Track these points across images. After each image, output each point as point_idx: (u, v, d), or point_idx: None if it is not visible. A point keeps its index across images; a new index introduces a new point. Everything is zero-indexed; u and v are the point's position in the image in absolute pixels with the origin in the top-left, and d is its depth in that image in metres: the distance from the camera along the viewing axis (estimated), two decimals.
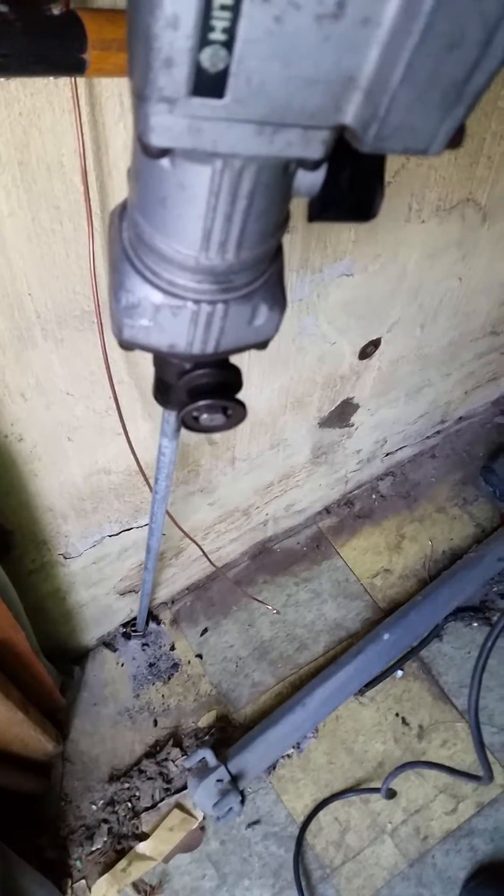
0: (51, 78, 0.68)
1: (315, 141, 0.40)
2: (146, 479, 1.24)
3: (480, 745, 1.06)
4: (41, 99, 0.70)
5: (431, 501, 2.06)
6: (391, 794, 1.44)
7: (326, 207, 0.51)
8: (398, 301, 1.35)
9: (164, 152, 0.41)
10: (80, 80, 0.70)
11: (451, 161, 1.16)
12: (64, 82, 0.69)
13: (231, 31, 0.33)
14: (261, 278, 0.56)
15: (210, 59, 0.35)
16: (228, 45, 0.34)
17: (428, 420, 1.97)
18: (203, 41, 0.34)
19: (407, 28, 0.34)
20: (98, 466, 1.23)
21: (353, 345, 1.38)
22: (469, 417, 2.16)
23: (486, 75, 0.37)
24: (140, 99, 0.38)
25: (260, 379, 1.29)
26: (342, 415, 1.61)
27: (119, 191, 0.83)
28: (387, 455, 1.99)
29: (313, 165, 0.44)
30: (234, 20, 0.33)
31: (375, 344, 1.42)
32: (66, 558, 1.39)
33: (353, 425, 1.69)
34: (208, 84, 0.36)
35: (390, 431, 1.87)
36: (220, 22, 0.33)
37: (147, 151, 0.41)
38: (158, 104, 0.37)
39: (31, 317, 0.90)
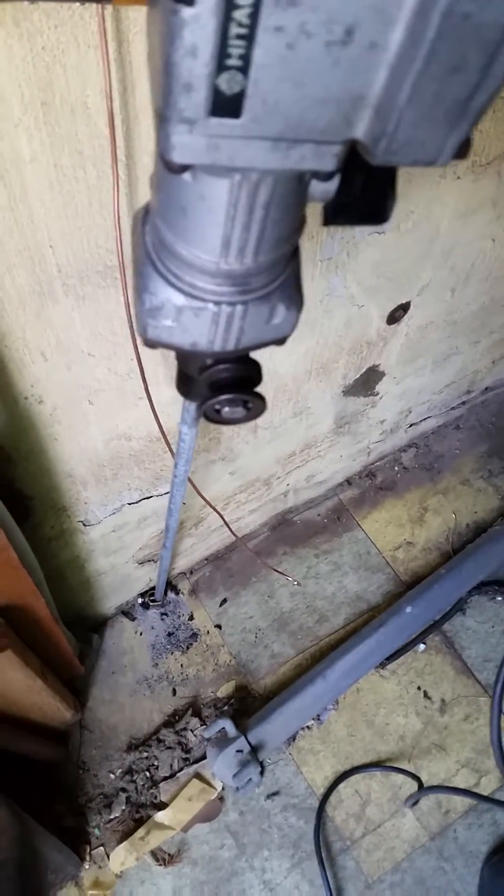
0: (76, 5, 0.63)
1: (327, 154, 0.43)
2: (168, 446, 1.21)
3: None
4: (65, 32, 0.65)
5: (455, 474, 2.01)
6: (414, 803, 1.45)
7: (340, 212, 0.53)
8: (429, 262, 1.30)
9: (185, 168, 0.43)
10: (108, 13, 0.66)
11: (488, 114, 1.10)
12: (90, 14, 0.65)
13: (246, 58, 0.36)
14: (278, 279, 0.58)
15: (227, 82, 0.37)
16: (244, 69, 0.36)
17: (454, 390, 1.92)
18: (220, 67, 0.36)
19: (412, 53, 0.36)
20: (118, 432, 1.20)
21: (382, 308, 1.33)
22: (496, 388, 2.10)
23: (487, 95, 0.39)
24: (161, 119, 0.40)
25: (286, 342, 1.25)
26: (367, 383, 1.57)
27: (146, 138, 0.79)
28: (411, 426, 1.95)
29: (326, 176, 0.47)
30: (249, 48, 0.35)
31: (404, 308, 1.37)
32: (85, 525, 1.36)
33: (377, 394, 1.65)
34: (225, 105, 0.38)
35: (415, 401, 1.82)
36: (236, 49, 0.35)
37: (169, 167, 0.43)
38: (179, 125, 0.39)
39: (52, 271, 0.86)
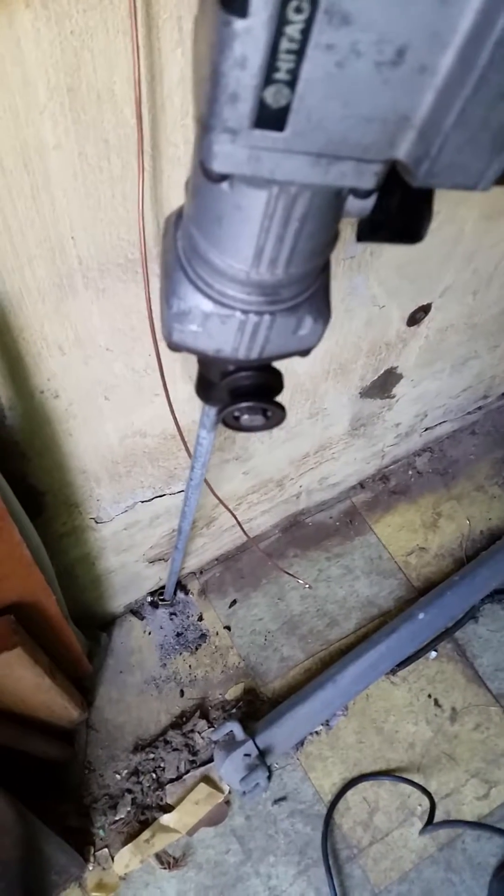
0: None
1: (368, 173, 0.42)
2: (185, 444, 1.19)
3: None
4: (95, 17, 0.64)
5: (470, 479, 1.99)
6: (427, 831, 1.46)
7: (375, 229, 0.53)
8: (452, 264, 1.28)
9: (224, 177, 0.44)
10: None
11: None
12: None
13: (294, 72, 0.36)
14: (307, 291, 0.58)
15: (273, 95, 0.37)
16: (291, 84, 0.36)
17: (471, 394, 1.90)
18: (268, 80, 0.36)
19: (462, 78, 0.36)
20: (134, 428, 1.18)
21: (403, 309, 1.31)
22: None
23: None
24: (204, 128, 0.40)
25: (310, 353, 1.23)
26: (384, 385, 1.55)
27: (172, 128, 0.77)
28: (426, 430, 1.93)
29: (365, 194, 0.46)
30: (299, 62, 0.35)
31: (425, 309, 1.35)
32: (97, 523, 1.35)
33: (394, 397, 1.63)
34: (270, 118, 0.38)
35: (431, 405, 1.80)
36: (285, 63, 0.35)
37: (208, 176, 0.43)
38: (222, 134, 0.39)
39: (73, 263, 0.84)
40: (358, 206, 0.49)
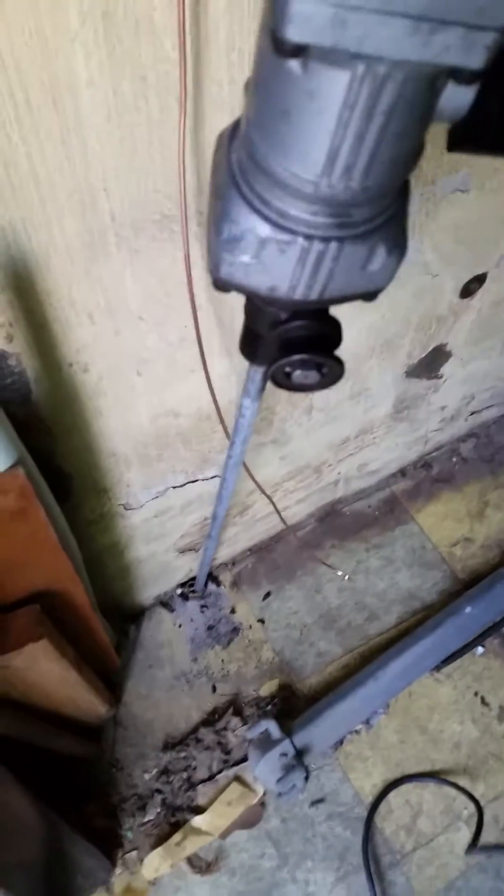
0: None
1: (478, 45, 0.34)
2: (222, 423, 1.11)
3: None
4: None
5: None
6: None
7: (471, 135, 0.45)
8: None
9: (299, 51, 0.36)
10: None
11: None
12: None
13: None
14: (382, 216, 0.49)
15: None
16: None
17: None
18: None
19: None
20: (167, 407, 1.10)
21: (457, 279, 1.22)
22: None
23: None
24: None
25: (349, 312, 1.14)
26: (432, 364, 1.45)
27: (216, 66, 0.69)
28: (472, 414, 1.83)
29: (468, 78, 0.38)
30: None
31: (480, 280, 1.25)
32: (126, 509, 1.27)
33: (441, 377, 1.53)
34: None
35: (479, 387, 1.70)
36: None
37: (279, 48, 0.36)
38: None
39: (105, 218, 0.76)
40: (455, 102, 0.40)
